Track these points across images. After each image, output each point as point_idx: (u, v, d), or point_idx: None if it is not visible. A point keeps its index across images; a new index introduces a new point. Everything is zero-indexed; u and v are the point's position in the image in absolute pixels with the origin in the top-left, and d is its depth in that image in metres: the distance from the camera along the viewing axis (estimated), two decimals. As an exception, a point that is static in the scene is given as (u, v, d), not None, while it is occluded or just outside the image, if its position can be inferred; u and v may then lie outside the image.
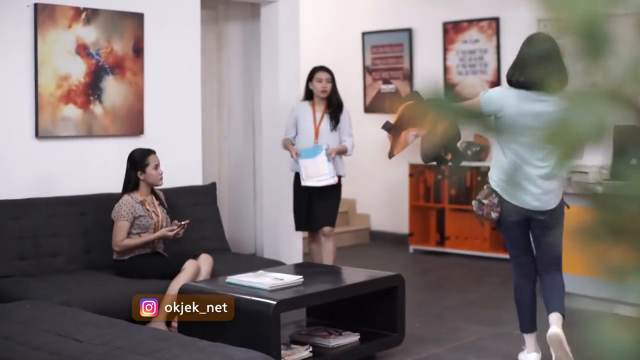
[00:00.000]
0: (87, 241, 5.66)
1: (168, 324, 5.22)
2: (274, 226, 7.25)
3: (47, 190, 5.70)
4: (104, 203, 5.80)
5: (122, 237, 5.35)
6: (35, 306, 4.56)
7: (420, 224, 8.88)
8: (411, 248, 8.90)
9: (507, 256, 8.15)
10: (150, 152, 5.53)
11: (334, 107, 6.43)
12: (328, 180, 6.32)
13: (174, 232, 5.41)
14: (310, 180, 6.33)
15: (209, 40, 7.32)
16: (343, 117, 6.46)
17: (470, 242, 8.50)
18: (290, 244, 7.14)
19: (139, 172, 5.47)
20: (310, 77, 6.44)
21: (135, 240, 5.41)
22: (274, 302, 4.33)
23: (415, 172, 8.79)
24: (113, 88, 6.00)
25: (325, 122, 6.41)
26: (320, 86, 6.38)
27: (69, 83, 5.77)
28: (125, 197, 5.41)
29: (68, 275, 5.37)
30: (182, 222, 5.42)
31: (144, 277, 5.34)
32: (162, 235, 5.43)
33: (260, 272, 4.99)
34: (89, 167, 5.95)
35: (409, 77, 9.26)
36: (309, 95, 6.50)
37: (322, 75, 6.40)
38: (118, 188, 5.94)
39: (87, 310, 4.59)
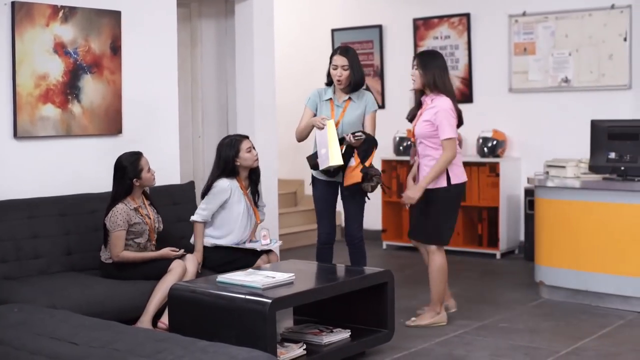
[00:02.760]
0: (68, 242, 5.57)
1: (154, 324, 5.18)
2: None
3: (26, 191, 5.60)
4: (83, 204, 5.73)
5: (121, 248, 5.28)
6: (23, 309, 4.48)
7: (393, 219, 8.91)
8: (384, 244, 8.93)
9: (482, 250, 8.27)
10: (138, 155, 5.44)
11: (257, 176, 5.78)
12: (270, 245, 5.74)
13: (177, 254, 5.39)
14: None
15: (182, 38, 7.24)
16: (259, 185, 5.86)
17: (444, 237, 8.52)
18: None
19: (134, 180, 5.39)
20: (237, 152, 5.61)
21: (135, 255, 5.33)
22: (270, 301, 4.30)
23: (388, 167, 8.81)
24: (91, 87, 5.92)
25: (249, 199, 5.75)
26: (250, 155, 5.65)
27: (47, 82, 5.67)
28: (120, 205, 5.31)
29: (51, 278, 5.28)
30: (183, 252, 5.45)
31: (130, 278, 5.28)
32: (164, 254, 5.37)
33: (250, 270, 4.97)
34: (68, 168, 5.86)
35: (379, 73, 9.29)
36: (234, 171, 5.64)
37: (249, 143, 5.68)
38: (97, 188, 5.87)
39: (74, 313, 4.53)
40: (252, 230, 5.80)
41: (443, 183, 5.60)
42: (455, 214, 5.78)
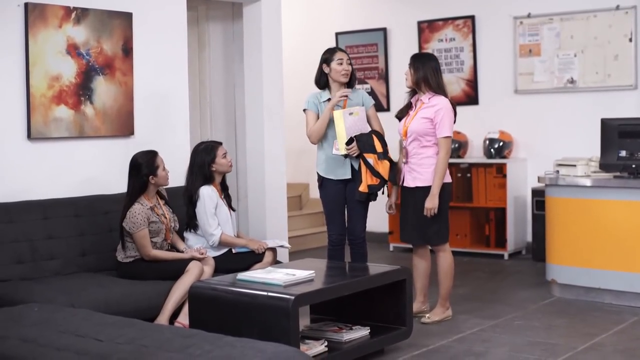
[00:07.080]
0: (82, 243, 5.57)
1: (170, 323, 5.16)
2: (258, 227, 7.20)
3: (39, 192, 5.59)
4: (97, 205, 5.73)
5: (149, 246, 5.31)
6: (43, 309, 4.46)
7: (399, 222, 8.88)
8: (391, 246, 8.94)
9: (489, 251, 8.28)
10: (154, 153, 5.48)
11: (224, 182, 5.88)
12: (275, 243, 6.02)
13: (202, 256, 5.43)
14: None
15: (189, 41, 7.21)
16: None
17: (451, 239, 8.47)
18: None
19: (150, 177, 5.40)
20: (214, 158, 5.70)
21: (165, 254, 5.39)
22: (293, 297, 4.30)
23: (394, 170, 8.80)
24: (103, 88, 5.92)
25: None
26: (226, 161, 5.75)
27: (60, 83, 5.67)
28: (136, 205, 5.33)
29: (67, 278, 5.28)
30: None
31: (147, 278, 5.27)
32: (193, 256, 5.40)
33: (269, 268, 4.97)
34: (81, 169, 5.85)
35: (384, 76, 9.30)
36: (210, 177, 5.71)
37: (224, 149, 5.80)
38: (110, 189, 5.88)
39: (94, 312, 4.51)
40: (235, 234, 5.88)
41: None
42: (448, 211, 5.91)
